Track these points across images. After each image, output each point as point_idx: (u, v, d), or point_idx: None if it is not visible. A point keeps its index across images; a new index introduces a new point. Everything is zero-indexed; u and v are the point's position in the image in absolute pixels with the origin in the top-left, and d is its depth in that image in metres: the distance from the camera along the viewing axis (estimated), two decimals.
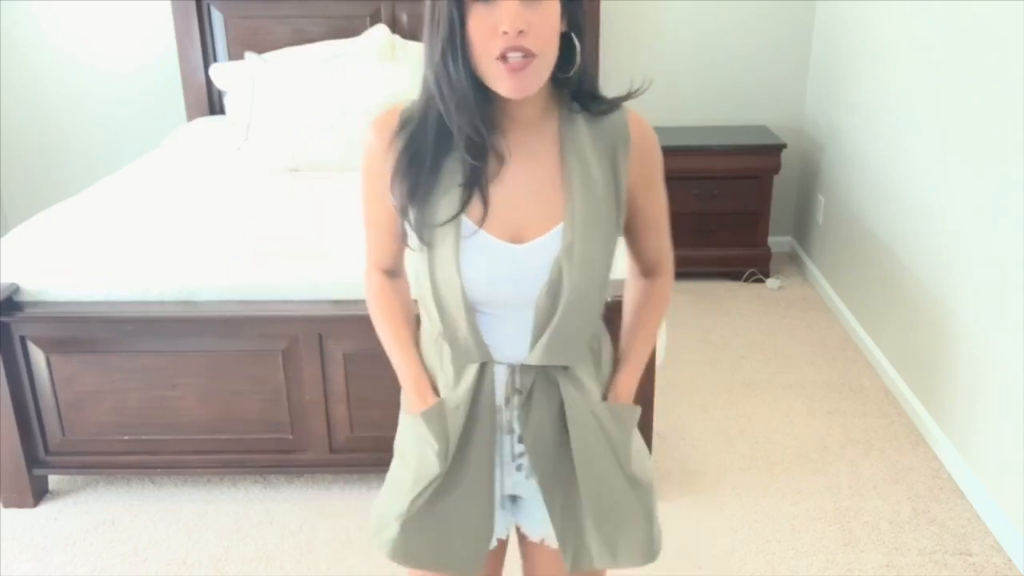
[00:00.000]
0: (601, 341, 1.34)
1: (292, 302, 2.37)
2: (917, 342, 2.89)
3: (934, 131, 2.79)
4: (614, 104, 1.23)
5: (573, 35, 1.17)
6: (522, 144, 1.20)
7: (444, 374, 1.28)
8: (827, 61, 3.85)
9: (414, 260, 1.24)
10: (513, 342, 1.23)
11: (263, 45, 3.82)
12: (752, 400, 3.06)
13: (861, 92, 3.43)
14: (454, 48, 1.10)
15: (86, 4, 3.98)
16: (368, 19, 3.78)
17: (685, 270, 3.91)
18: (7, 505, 2.56)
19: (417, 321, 1.37)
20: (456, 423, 1.26)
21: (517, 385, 1.25)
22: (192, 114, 3.96)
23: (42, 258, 2.51)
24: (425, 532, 1.31)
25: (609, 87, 1.29)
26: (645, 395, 2.39)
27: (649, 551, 1.37)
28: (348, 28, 3.73)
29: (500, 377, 1.26)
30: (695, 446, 2.80)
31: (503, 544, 1.43)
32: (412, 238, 1.21)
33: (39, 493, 2.58)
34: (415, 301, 1.34)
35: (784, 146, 3.84)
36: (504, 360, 1.24)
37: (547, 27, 1.11)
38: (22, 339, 2.39)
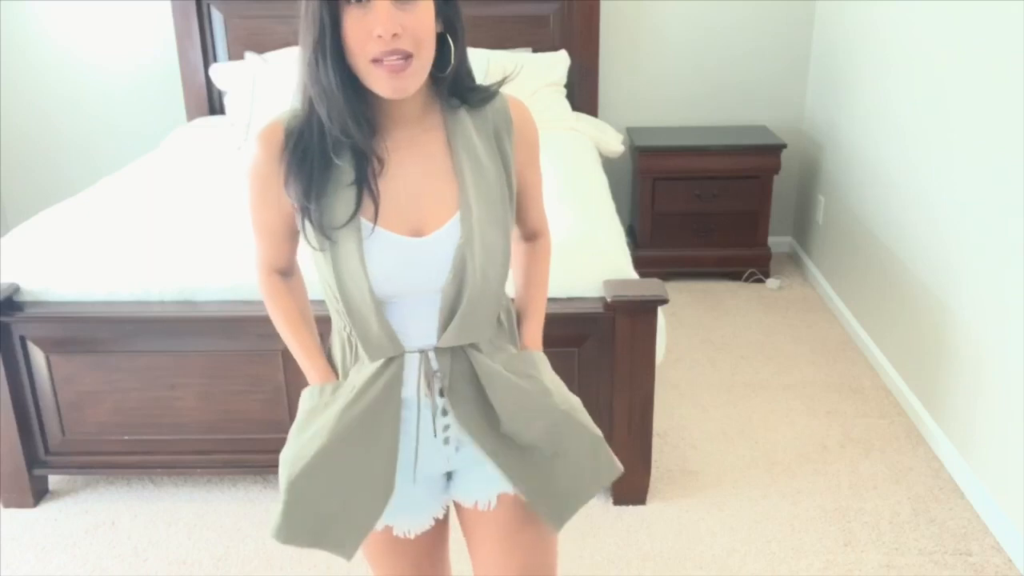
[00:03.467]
0: (510, 311, 1.40)
1: None
2: (917, 342, 2.89)
3: (934, 131, 2.79)
4: (492, 92, 1.28)
5: (448, 36, 1.21)
6: (409, 140, 1.24)
7: (356, 370, 1.31)
8: (827, 61, 3.85)
9: (317, 262, 1.27)
10: (422, 328, 1.28)
11: (263, 45, 3.82)
12: (752, 400, 3.06)
13: (861, 92, 3.44)
14: (323, 50, 1.12)
15: (86, 4, 3.98)
16: None
17: (685, 270, 4.01)
18: (7, 505, 2.56)
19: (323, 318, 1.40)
20: (349, 404, 1.27)
21: (434, 368, 1.29)
22: (192, 114, 3.97)
23: (42, 258, 2.51)
24: (306, 512, 1.31)
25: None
26: (645, 395, 2.39)
27: (612, 465, 1.41)
28: None
29: (412, 364, 1.29)
30: (695, 446, 2.80)
31: (442, 523, 1.46)
32: (313, 238, 1.23)
33: (39, 493, 2.59)
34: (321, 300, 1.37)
35: (784, 146, 3.84)
36: (415, 347, 1.28)
37: (421, 28, 1.14)
38: (22, 339, 2.40)
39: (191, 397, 2.44)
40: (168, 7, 3.88)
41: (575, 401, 1.40)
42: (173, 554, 2.36)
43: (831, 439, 2.83)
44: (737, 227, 3.96)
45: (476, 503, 1.40)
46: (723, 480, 2.63)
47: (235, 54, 3.87)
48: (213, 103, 3.94)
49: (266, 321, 2.38)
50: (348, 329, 1.30)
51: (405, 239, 1.23)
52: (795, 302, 3.83)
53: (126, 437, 2.49)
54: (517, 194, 1.34)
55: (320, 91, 1.15)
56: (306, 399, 1.37)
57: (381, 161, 1.21)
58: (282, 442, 2.49)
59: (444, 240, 1.23)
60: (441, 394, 1.31)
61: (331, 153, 1.19)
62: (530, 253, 1.46)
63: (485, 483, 1.38)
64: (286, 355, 2.39)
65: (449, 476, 1.42)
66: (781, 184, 4.15)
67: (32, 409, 2.47)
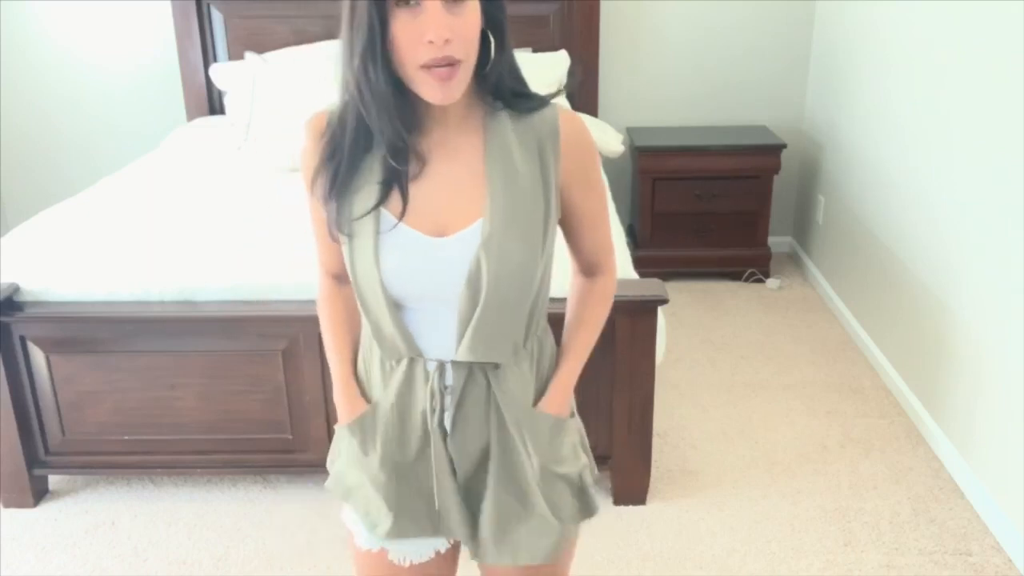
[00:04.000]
0: (543, 343, 1.33)
1: (292, 302, 2.37)
2: (917, 342, 2.89)
3: (934, 131, 2.79)
4: (542, 102, 1.22)
5: (490, 33, 1.15)
6: (445, 141, 1.20)
7: (374, 374, 1.29)
8: (827, 61, 3.85)
9: (344, 256, 1.25)
10: (442, 339, 1.23)
11: (263, 45, 3.82)
12: (752, 400, 3.06)
13: (861, 92, 3.43)
14: (374, 53, 1.09)
15: (86, 4, 3.98)
16: None
17: (685, 270, 4.02)
18: (7, 505, 2.56)
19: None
20: (389, 424, 1.27)
21: (447, 382, 1.25)
22: (192, 114, 3.96)
23: (42, 258, 2.51)
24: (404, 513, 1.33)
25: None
26: (645, 395, 2.39)
27: (547, 552, 1.34)
28: None
29: (430, 373, 1.26)
30: (695, 446, 2.80)
31: (448, 557, 1.42)
32: (334, 231, 1.22)
33: (39, 493, 2.59)
34: None
35: (784, 146, 3.84)
36: (434, 357, 1.24)
37: (470, 31, 1.10)
38: (22, 339, 2.39)
39: (191, 397, 2.44)
40: (168, 7, 3.88)
41: (576, 477, 1.34)
42: (173, 554, 2.36)
43: (831, 439, 2.83)
44: (737, 227, 3.95)
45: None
46: (723, 480, 2.63)
47: (235, 54, 3.87)
48: (213, 103, 3.94)
49: (266, 321, 2.40)
50: (368, 332, 1.28)
51: (424, 237, 1.18)
52: (795, 302, 3.83)
53: (126, 437, 2.49)
54: (567, 217, 1.28)
55: (370, 97, 1.12)
56: (344, 437, 1.38)
57: (423, 160, 1.18)
58: (282, 442, 2.51)
59: (464, 243, 1.18)
60: (450, 416, 1.27)
61: (363, 152, 1.17)
62: (585, 290, 1.37)
63: None
64: (286, 355, 2.39)
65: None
66: (781, 184, 4.15)
67: (32, 409, 2.46)
